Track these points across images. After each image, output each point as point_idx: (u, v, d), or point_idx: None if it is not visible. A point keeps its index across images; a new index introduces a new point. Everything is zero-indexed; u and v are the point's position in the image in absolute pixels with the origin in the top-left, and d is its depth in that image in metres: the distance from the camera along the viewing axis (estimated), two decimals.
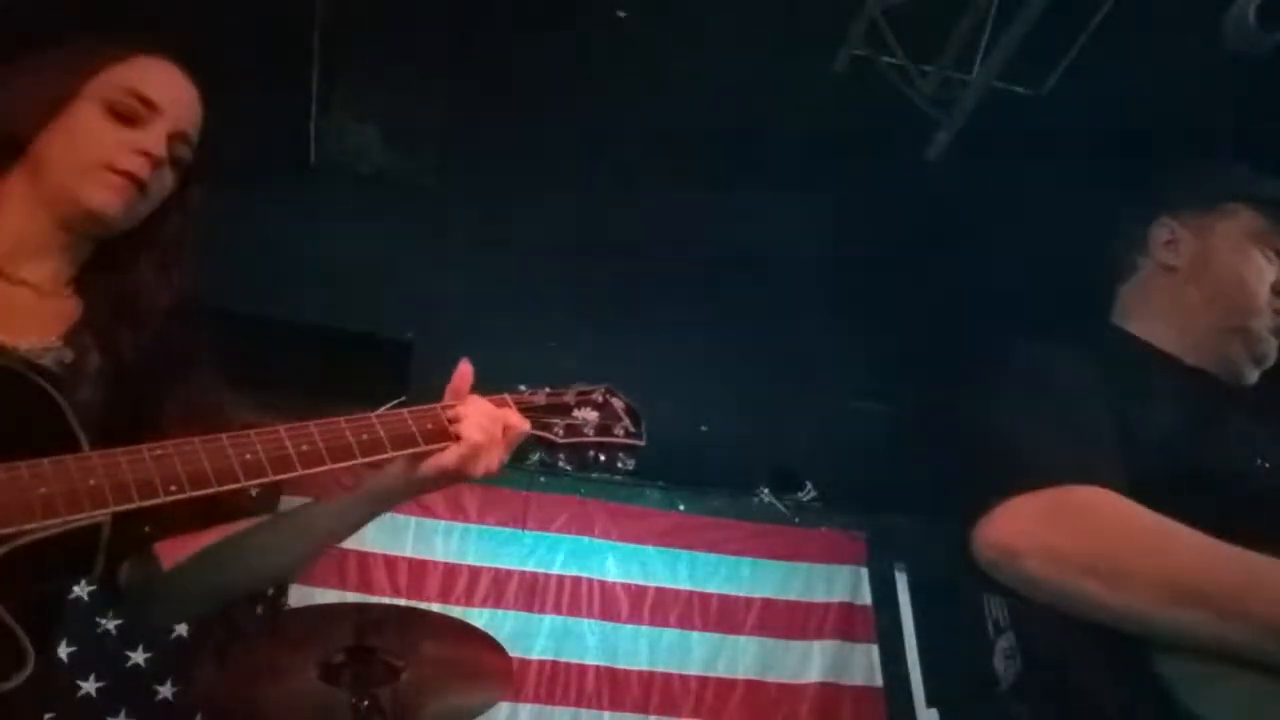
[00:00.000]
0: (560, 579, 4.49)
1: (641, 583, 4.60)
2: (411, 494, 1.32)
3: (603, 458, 1.43)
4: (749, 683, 4.53)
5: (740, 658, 4.56)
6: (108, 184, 1.32)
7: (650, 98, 3.13)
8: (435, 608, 3.87)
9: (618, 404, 1.47)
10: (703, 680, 4.48)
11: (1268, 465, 1.37)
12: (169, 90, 1.39)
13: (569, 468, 1.42)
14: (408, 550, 4.28)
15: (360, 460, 1.22)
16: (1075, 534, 1.22)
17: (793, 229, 3.53)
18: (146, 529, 1.31)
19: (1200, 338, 1.54)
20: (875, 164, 3.25)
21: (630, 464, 1.45)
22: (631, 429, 1.45)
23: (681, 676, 4.47)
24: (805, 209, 3.45)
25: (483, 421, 1.29)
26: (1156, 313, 1.59)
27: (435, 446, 1.27)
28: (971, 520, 1.27)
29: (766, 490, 4.82)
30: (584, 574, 4.53)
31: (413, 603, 3.99)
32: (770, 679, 4.55)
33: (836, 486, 4.82)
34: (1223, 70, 2.69)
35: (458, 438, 1.27)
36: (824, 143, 3.22)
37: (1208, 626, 1.15)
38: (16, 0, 2.31)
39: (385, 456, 1.24)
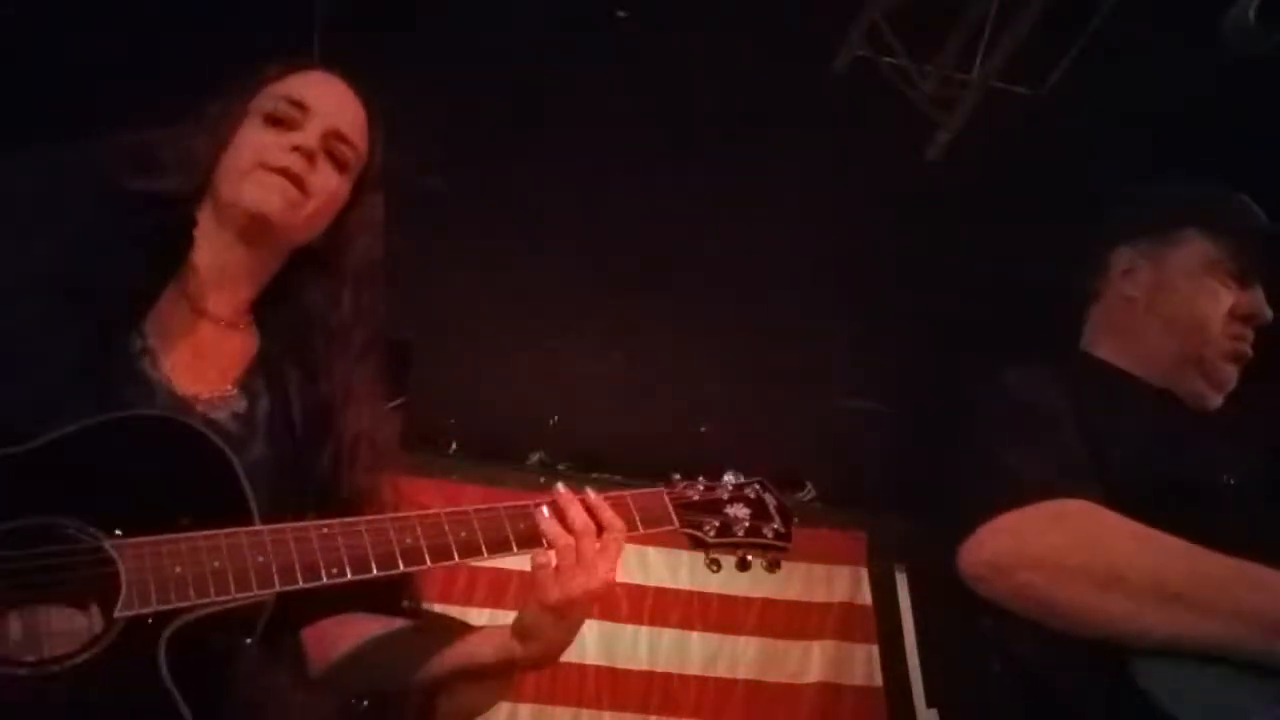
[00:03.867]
0: None
1: (641, 583, 4.60)
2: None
3: (750, 557, 1.42)
4: (749, 683, 4.53)
5: (740, 658, 4.57)
6: (263, 182, 1.33)
7: (650, 98, 3.13)
8: (435, 608, 3.87)
9: (770, 501, 1.44)
10: (703, 680, 4.49)
11: (1233, 482, 1.41)
12: (321, 91, 1.42)
13: (715, 568, 1.42)
14: None
15: (515, 552, 1.23)
16: (1062, 544, 1.24)
17: (793, 229, 3.53)
18: (306, 606, 1.30)
19: (1163, 365, 1.57)
20: (875, 164, 3.25)
21: (774, 567, 1.43)
22: (781, 530, 1.43)
23: (681, 676, 4.47)
24: (805, 209, 3.45)
25: (562, 543, 1.25)
26: (1121, 340, 1.62)
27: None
28: (957, 540, 1.29)
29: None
30: None
31: None
32: (770, 679, 4.56)
33: (836, 486, 4.82)
34: (1223, 70, 2.69)
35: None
36: (824, 143, 3.22)
37: (1193, 626, 1.18)
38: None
39: (539, 550, 1.25)
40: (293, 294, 1.42)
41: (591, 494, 1.30)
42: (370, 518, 1.18)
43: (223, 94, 1.41)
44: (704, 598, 4.63)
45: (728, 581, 4.67)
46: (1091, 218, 1.76)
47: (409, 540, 1.17)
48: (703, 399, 4.26)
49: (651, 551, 4.65)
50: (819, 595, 4.75)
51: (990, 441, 1.40)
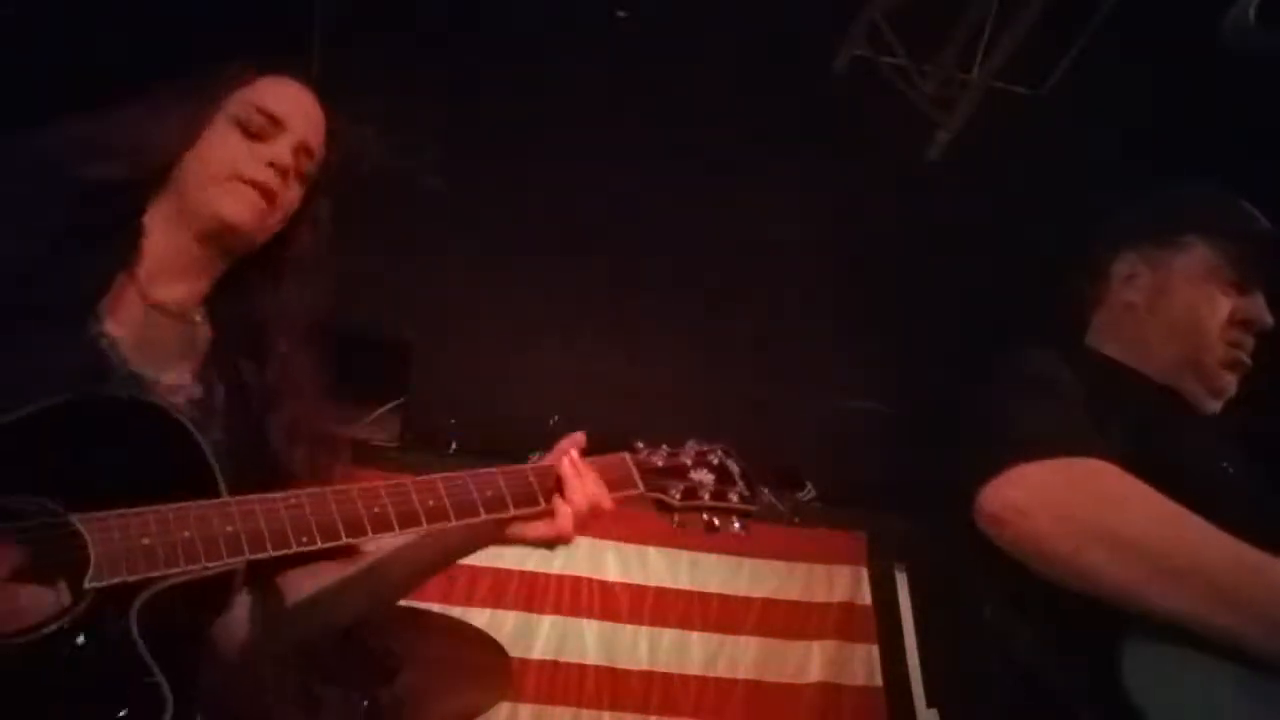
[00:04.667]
0: (560, 579, 4.49)
1: (641, 583, 4.60)
2: (487, 546, 1.36)
3: (716, 521, 1.43)
4: (749, 683, 4.53)
5: (740, 658, 4.57)
6: (239, 194, 1.39)
7: (650, 98, 3.13)
8: (435, 608, 3.87)
9: (734, 467, 1.47)
10: (703, 680, 4.48)
11: (1231, 470, 1.43)
12: (294, 105, 1.48)
13: (682, 529, 1.42)
14: None
15: (484, 518, 1.26)
16: (1083, 499, 1.24)
17: (793, 229, 3.53)
18: (274, 572, 1.35)
19: (1164, 368, 1.59)
20: (875, 164, 3.25)
21: (740, 528, 1.44)
22: (746, 493, 1.45)
23: (681, 676, 4.47)
24: (805, 209, 3.45)
25: (583, 507, 1.30)
26: (1124, 342, 1.64)
27: (545, 509, 1.29)
28: (977, 485, 1.28)
29: (766, 490, 4.81)
30: (584, 574, 4.53)
31: (412, 603, 3.99)
32: (770, 679, 4.56)
33: (836, 486, 4.81)
34: (1223, 70, 2.69)
35: (552, 509, 1.29)
36: (824, 143, 3.22)
37: (1197, 605, 1.18)
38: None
39: (508, 515, 1.28)
40: (241, 287, 1.47)
41: (582, 465, 1.33)
42: (336, 487, 1.21)
43: (181, 85, 1.45)
44: (704, 598, 4.63)
45: (728, 581, 4.68)
46: (1091, 218, 1.76)
47: (376, 508, 1.19)
48: (703, 399, 4.25)
49: (652, 551, 4.65)
50: (819, 595, 4.75)
51: (1014, 400, 1.41)
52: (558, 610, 4.43)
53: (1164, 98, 2.91)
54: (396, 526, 1.20)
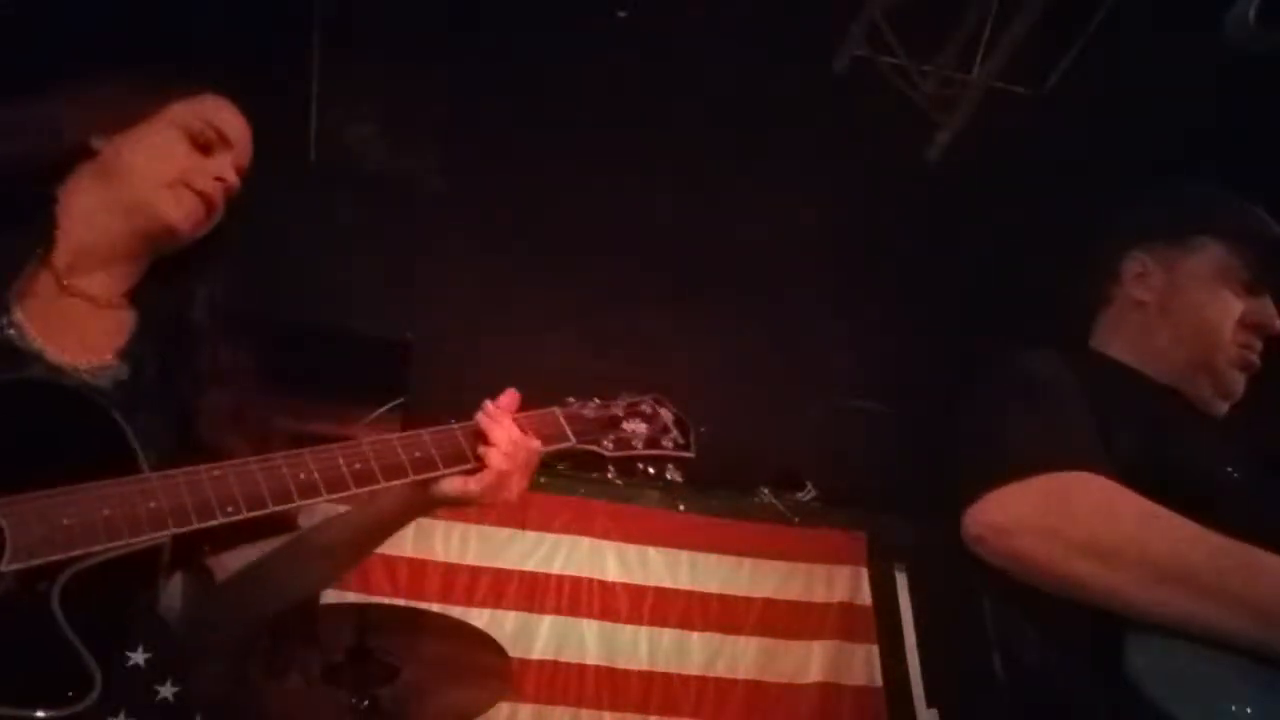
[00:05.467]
0: (560, 579, 4.48)
1: (641, 583, 4.59)
2: (423, 513, 1.35)
3: (651, 470, 1.44)
4: (749, 683, 4.52)
5: (740, 658, 4.56)
6: (185, 200, 1.43)
7: (650, 97, 3.13)
8: (435, 608, 3.87)
9: (666, 415, 1.48)
10: (703, 680, 4.48)
11: (1236, 475, 1.42)
12: (237, 129, 1.53)
13: (619, 481, 1.43)
14: (407, 550, 4.27)
15: (413, 478, 1.26)
16: (1066, 515, 1.25)
17: (793, 228, 3.53)
18: (206, 547, 1.35)
19: (1172, 368, 1.59)
20: (875, 164, 3.25)
21: (679, 476, 1.46)
22: (680, 440, 1.47)
23: (681, 676, 4.46)
24: (805, 209, 3.45)
25: (510, 450, 1.30)
26: (1131, 342, 1.63)
27: (471, 467, 1.29)
28: (965, 504, 1.30)
29: (766, 490, 4.82)
30: (584, 574, 4.53)
31: (412, 603, 3.99)
32: (770, 679, 4.55)
33: (836, 486, 4.82)
34: (1223, 70, 2.69)
35: (482, 462, 1.29)
36: (824, 143, 3.22)
37: (1188, 606, 1.19)
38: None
39: (437, 474, 1.28)
40: (164, 277, 1.49)
41: (498, 412, 1.34)
42: (262, 458, 1.20)
43: (118, 78, 1.48)
44: (704, 598, 4.63)
45: (728, 581, 4.67)
46: (1092, 218, 1.76)
47: (302, 475, 1.19)
48: (703, 399, 4.25)
49: (651, 551, 4.65)
50: (819, 595, 4.74)
51: (1002, 411, 1.41)
52: (558, 610, 4.43)
53: (1164, 98, 2.91)
54: (324, 491, 1.19)
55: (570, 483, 4.57)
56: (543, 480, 4.55)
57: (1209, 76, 2.77)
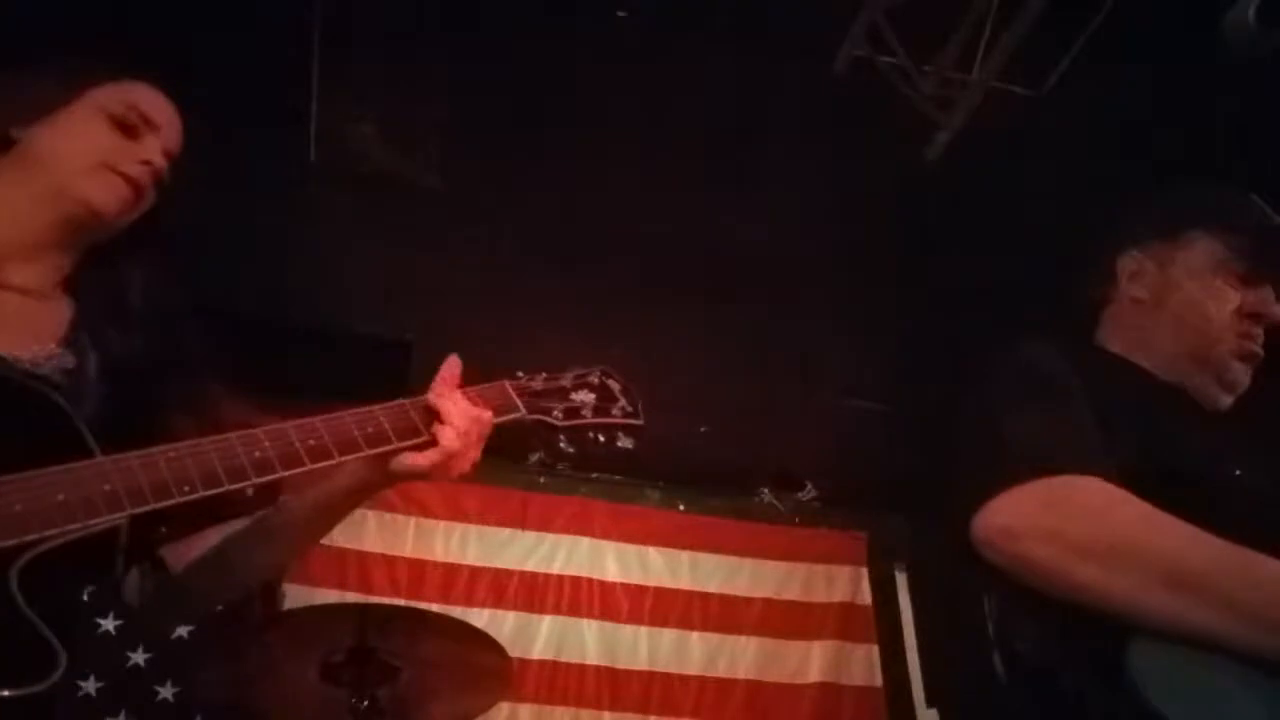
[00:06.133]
0: (560, 579, 4.49)
1: (641, 583, 4.60)
2: (379, 489, 1.36)
3: (602, 438, 1.46)
4: (749, 683, 4.53)
5: (740, 658, 4.56)
6: (110, 184, 1.40)
7: (650, 97, 3.13)
8: (435, 608, 3.87)
9: (614, 385, 1.50)
10: (703, 680, 4.48)
11: (1240, 474, 1.42)
12: (164, 113, 1.51)
13: (571, 450, 1.44)
14: (407, 550, 4.27)
15: (367, 453, 1.27)
16: (1072, 520, 1.26)
17: (792, 229, 3.53)
18: (163, 529, 1.35)
19: (1174, 365, 1.59)
20: (875, 164, 3.25)
21: (629, 443, 1.48)
22: (629, 408, 1.48)
23: (681, 676, 4.46)
24: (805, 209, 3.45)
25: (462, 423, 1.31)
26: (1131, 341, 1.64)
27: (424, 440, 1.30)
28: (971, 508, 1.31)
29: (766, 490, 4.82)
30: (584, 574, 4.53)
31: (413, 603, 3.99)
32: (770, 679, 4.55)
33: (836, 486, 4.82)
34: (1223, 70, 2.69)
35: (435, 437, 1.30)
36: (824, 142, 3.21)
37: (1191, 612, 1.19)
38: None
39: (390, 448, 1.29)
40: (99, 264, 1.47)
41: (447, 388, 1.34)
42: (216, 437, 1.19)
43: (38, 63, 1.46)
44: (704, 598, 4.63)
45: (728, 581, 4.67)
46: (1092, 218, 1.76)
47: (257, 453, 1.19)
48: (703, 399, 4.25)
49: (652, 551, 4.65)
50: (819, 595, 4.74)
51: (1006, 413, 1.42)
52: (558, 610, 4.43)
53: (1164, 98, 2.91)
54: (279, 468, 1.20)
55: (570, 483, 4.57)
56: (543, 480, 4.56)
57: (1209, 76, 2.77)
